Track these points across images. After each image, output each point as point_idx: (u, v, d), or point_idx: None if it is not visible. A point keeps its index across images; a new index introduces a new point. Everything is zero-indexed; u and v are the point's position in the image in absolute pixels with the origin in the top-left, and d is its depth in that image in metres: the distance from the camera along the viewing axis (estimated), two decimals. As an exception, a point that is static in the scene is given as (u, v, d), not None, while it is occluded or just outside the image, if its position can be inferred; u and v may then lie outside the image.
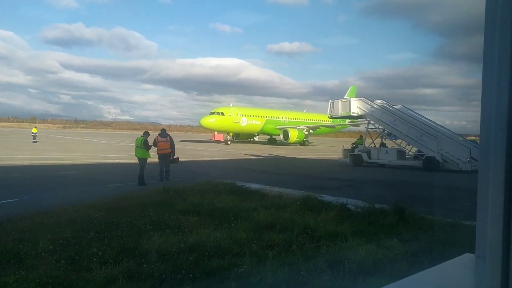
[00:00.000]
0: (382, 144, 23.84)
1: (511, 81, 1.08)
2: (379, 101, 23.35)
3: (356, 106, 22.89)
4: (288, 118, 53.92)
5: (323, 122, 53.35)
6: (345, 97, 52.73)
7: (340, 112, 23.75)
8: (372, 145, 23.66)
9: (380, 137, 23.83)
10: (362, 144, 23.53)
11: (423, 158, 20.00)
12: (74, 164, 19.81)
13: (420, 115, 22.40)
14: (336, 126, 55.07)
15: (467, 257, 1.22)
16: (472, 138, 32.27)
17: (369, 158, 22.08)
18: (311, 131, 49.97)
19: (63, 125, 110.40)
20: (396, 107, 22.79)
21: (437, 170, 19.10)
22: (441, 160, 19.32)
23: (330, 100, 25.14)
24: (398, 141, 22.61)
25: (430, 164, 19.44)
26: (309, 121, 54.97)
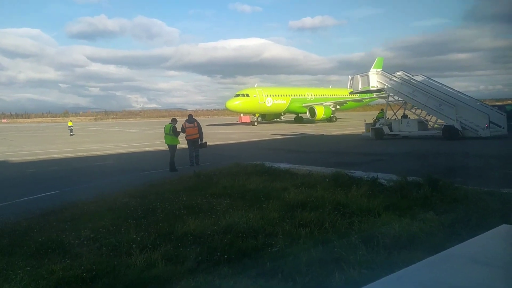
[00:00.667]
0: (404, 116, 23.69)
1: None
2: (399, 73, 23.24)
3: (376, 80, 22.97)
4: (314, 95, 53.22)
5: (350, 96, 52.33)
6: (371, 69, 51.52)
7: (360, 87, 23.92)
8: (394, 118, 23.64)
9: (403, 108, 23.73)
10: (383, 118, 23.56)
11: (442, 127, 20.11)
12: (107, 154, 20.45)
13: (441, 83, 22.04)
14: (363, 100, 53.83)
15: (503, 228, 1.19)
16: (509, 102, 30.69)
17: (391, 130, 22.18)
18: (338, 106, 49.17)
19: (94, 117, 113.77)
20: (417, 77, 22.56)
21: (457, 138, 19.04)
22: (460, 128, 19.27)
23: (349, 76, 25.34)
24: (418, 111, 22.54)
25: (449, 133, 19.43)
26: (335, 96, 54.03)
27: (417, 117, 22.63)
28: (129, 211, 7.42)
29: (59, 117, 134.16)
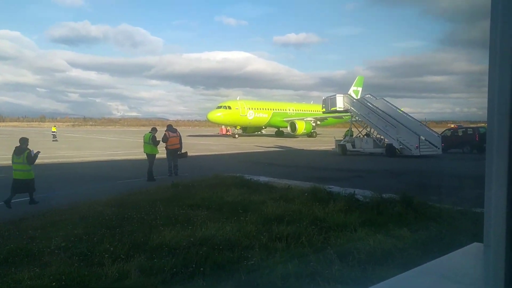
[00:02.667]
0: (367, 135, 25.68)
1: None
2: (368, 96, 26.42)
3: (342, 102, 25.87)
4: (295, 110, 53.75)
5: (331, 113, 53.04)
6: (352, 87, 52.45)
7: (330, 107, 26.81)
8: (359, 135, 25.93)
9: (364, 128, 26.13)
10: (350, 135, 26.00)
11: (385, 146, 22.75)
12: (84, 162, 20.03)
13: (396, 107, 24.63)
14: (343, 117, 54.72)
15: (475, 246, 1.22)
16: (482, 125, 32.13)
17: (353, 147, 24.40)
18: (318, 122, 49.80)
19: (72, 123, 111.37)
20: (378, 101, 25.19)
21: (395, 156, 21.57)
22: (398, 147, 21.63)
23: (323, 97, 28.47)
24: (373, 130, 24.83)
25: (389, 151, 22.18)
26: (317, 112, 54.64)
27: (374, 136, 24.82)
28: (103, 220, 7.25)
29: (35, 122, 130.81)
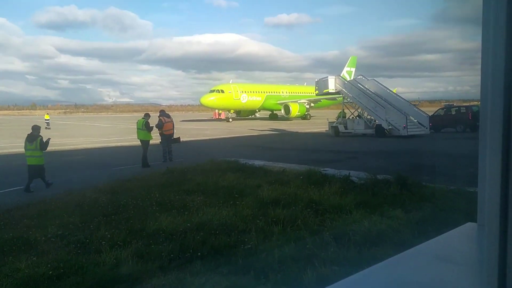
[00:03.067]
0: (359, 116, 25.79)
1: (507, 44, 1.05)
2: (359, 77, 26.52)
3: (334, 83, 25.95)
4: (289, 92, 53.55)
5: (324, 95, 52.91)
6: (345, 67, 52.27)
7: (323, 89, 26.90)
8: (352, 117, 26.17)
9: (355, 109, 26.11)
10: (343, 116, 26.20)
11: (375, 126, 23.05)
12: (77, 149, 19.90)
13: (386, 87, 24.82)
14: (337, 98, 54.65)
15: (469, 226, 1.23)
16: (475, 103, 32.34)
17: (346, 129, 24.69)
18: (312, 104, 49.66)
19: (63, 110, 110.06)
20: (369, 82, 25.29)
21: (384, 136, 21.83)
22: (387, 127, 21.95)
23: (316, 79, 28.58)
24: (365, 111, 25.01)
25: (378, 131, 22.53)
26: (310, 94, 54.51)
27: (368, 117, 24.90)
28: (99, 207, 7.25)
29: (26, 110, 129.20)
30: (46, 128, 36.68)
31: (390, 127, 21.83)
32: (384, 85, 24.96)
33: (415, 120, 22.28)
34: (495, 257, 1.08)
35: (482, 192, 1.14)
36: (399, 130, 21.38)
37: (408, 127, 21.07)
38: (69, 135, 29.55)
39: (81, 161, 15.70)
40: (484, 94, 1.09)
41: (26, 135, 10.43)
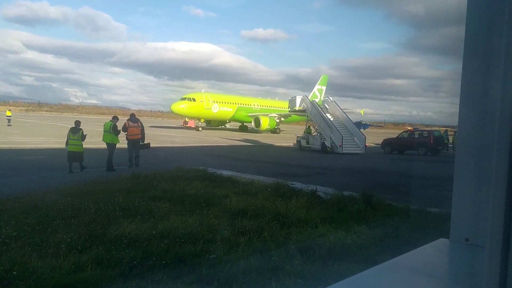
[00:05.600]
0: (319, 132, 27.66)
1: (484, 72, 1.12)
2: (326, 98, 31.42)
3: (300, 102, 29.48)
4: (260, 106, 53.88)
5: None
6: (316, 85, 53.76)
7: (293, 107, 30.65)
8: (314, 133, 28.19)
9: (313, 126, 28.48)
10: (308, 133, 28.30)
11: (321, 144, 25.47)
12: (38, 149, 19.08)
13: (341, 109, 28.53)
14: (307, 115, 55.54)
15: (442, 241, 1.27)
16: (436, 128, 33.95)
17: (307, 143, 26.87)
18: (282, 119, 50.16)
19: (25, 108, 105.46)
20: (330, 103, 29.16)
21: (326, 152, 24.24)
22: (329, 145, 24.52)
23: (289, 96, 32.70)
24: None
25: (323, 148, 24.94)
26: (281, 109, 55.14)
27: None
28: (58, 209, 6.96)
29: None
30: (7, 125, 35.03)
31: (332, 144, 24.33)
32: (346, 106, 29.12)
33: (357, 140, 25.11)
34: (468, 270, 1.13)
35: (455, 210, 1.19)
36: (337, 148, 23.95)
37: (343, 146, 23.75)
38: (30, 134, 28.32)
39: (42, 161, 15.06)
40: (462, 115, 1.16)
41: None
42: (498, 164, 0.78)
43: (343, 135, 24.38)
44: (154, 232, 5.72)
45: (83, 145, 13.26)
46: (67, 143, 13.26)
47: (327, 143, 24.63)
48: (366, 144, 25.29)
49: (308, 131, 28.57)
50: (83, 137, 13.16)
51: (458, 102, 1.18)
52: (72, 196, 8.11)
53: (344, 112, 28.45)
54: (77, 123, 13.62)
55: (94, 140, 22.03)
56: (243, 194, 8.57)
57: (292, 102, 31.01)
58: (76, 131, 13.25)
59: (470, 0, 1.13)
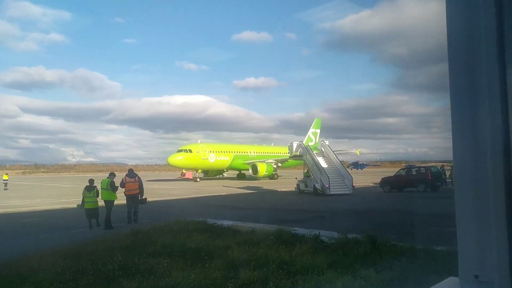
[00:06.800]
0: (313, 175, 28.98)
1: (471, 107, 1.15)
2: (322, 141, 33.21)
3: (296, 148, 31.51)
4: (256, 152, 54.15)
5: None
6: (310, 129, 54.73)
7: (292, 152, 32.62)
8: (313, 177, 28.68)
9: (308, 169, 29.37)
10: (307, 176, 28.77)
11: (312, 186, 26.39)
12: (35, 211, 18.79)
13: (333, 151, 30.23)
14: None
15: (451, 280, 1.24)
16: (433, 164, 34.01)
17: (306, 187, 27.61)
18: (279, 164, 50.23)
19: (22, 170, 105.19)
20: (324, 146, 30.94)
21: (317, 194, 25.04)
22: (319, 187, 25.49)
23: (288, 141, 34.54)
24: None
25: (314, 190, 25.87)
26: (277, 154, 55.38)
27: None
28: (55, 273, 6.73)
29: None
30: (4, 189, 34.75)
31: (322, 186, 25.23)
32: (342, 147, 29.84)
33: (346, 182, 25.99)
34: None
35: (461, 247, 1.17)
36: (325, 190, 24.78)
37: (331, 187, 24.74)
38: (26, 196, 28.02)
39: (39, 223, 14.78)
40: (456, 154, 1.18)
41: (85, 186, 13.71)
42: (495, 198, 0.79)
43: (330, 177, 25.35)
44: (155, 290, 5.52)
45: (97, 202, 13.64)
46: (83, 202, 13.53)
47: (318, 186, 25.60)
48: (354, 185, 26.16)
49: (307, 175, 29.07)
50: (98, 193, 13.76)
51: (451, 137, 1.20)
52: (70, 257, 7.89)
53: (335, 155, 29.87)
54: (91, 181, 13.99)
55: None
56: (245, 244, 8.39)
57: (290, 147, 33.02)
58: (91, 189, 13.66)
59: (450, 40, 1.19)
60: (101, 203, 13.78)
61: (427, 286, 1.33)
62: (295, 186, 29.13)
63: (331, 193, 24.37)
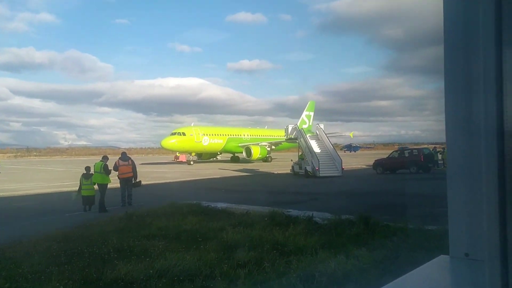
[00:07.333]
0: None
1: (465, 90, 1.15)
2: (316, 124, 33.95)
3: (291, 130, 32.09)
4: (250, 135, 54.12)
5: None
6: (304, 111, 54.78)
7: (287, 135, 33.20)
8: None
9: (301, 151, 30.06)
10: (302, 159, 29.22)
11: (304, 168, 27.02)
12: (28, 195, 18.74)
13: (326, 134, 30.74)
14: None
15: (442, 259, 1.26)
16: (425, 146, 34.29)
17: (300, 169, 27.98)
18: (273, 147, 50.32)
19: (13, 154, 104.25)
20: (319, 129, 31.40)
21: (307, 176, 25.73)
22: (310, 170, 26.06)
23: (285, 127, 34.72)
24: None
25: (306, 172, 26.37)
26: (271, 137, 55.37)
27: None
28: (51, 256, 6.76)
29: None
30: None
31: (313, 168, 25.83)
32: (335, 130, 30.46)
33: (336, 164, 26.63)
34: (471, 285, 1.12)
35: (453, 225, 1.19)
36: (315, 172, 25.43)
37: (320, 169, 25.37)
38: (19, 180, 27.88)
39: (32, 207, 14.75)
40: (450, 136, 1.18)
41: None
42: (488, 179, 0.80)
43: (320, 160, 26.00)
44: (151, 271, 5.58)
45: (94, 189, 13.62)
46: (80, 189, 13.53)
47: (309, 168, 26.22)
48: (343, 167, 26.72)
49: (301, 157, 29.56)
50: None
51: (444, 119, 1.20)
52: (65, 241, 7.91)
53: (328, 138, 30.38)
54: (88, 169, 13.98)
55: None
56: (240, 225, 8.47)
57: (286, 130, 33.81)
58: (88, 176, 13.67)
59: (446, 21, 1.18)
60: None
61: (418, 264, 1.35)
62: (290, 168, 29.65)
63: (321, 175, 25.05)
